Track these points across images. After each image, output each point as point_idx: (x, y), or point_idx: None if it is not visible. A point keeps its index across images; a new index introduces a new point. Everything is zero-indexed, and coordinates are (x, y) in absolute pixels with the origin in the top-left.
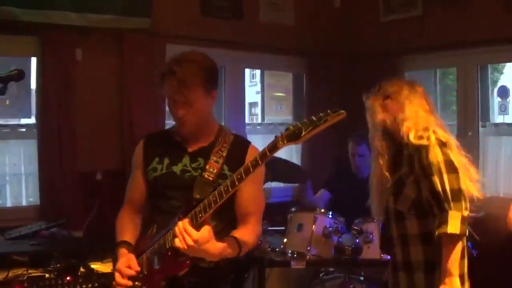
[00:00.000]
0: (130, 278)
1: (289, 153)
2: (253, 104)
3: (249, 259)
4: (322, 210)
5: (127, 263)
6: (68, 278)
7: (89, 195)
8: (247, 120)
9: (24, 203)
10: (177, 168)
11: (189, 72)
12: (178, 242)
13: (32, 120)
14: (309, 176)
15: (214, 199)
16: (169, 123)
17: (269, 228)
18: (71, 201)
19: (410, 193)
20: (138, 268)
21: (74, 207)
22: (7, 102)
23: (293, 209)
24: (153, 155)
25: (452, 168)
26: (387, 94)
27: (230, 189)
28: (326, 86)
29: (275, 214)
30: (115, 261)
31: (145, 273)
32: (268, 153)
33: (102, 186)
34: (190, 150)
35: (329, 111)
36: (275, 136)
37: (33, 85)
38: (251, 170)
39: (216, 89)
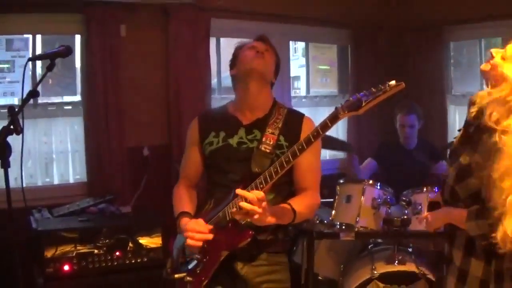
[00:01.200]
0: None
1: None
2: (295, 79)
3: (299, 232)
4: (371, 182)
5: (197, 223)
6: (117, 253)
7: (136, 171)
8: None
9: (71, 181)
10: (233, 141)
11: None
12: (247, 205)
13: (77, 98)
14: (356, 148)
15: (275, 170)
16: (215, 97)
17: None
18: (118, 177)
19: None
20: (209, 227)
21: (122, 183)
22: (50, 81)
23: (341, 181)
24: (209, 130)
25: None
26: None
27: (292, 159)
28: (371, 58)
29: (322, 186)
30: (171, 234)
31: (205, 246)
32: (329, 124)
33: (149, 162)
34: (245, 122)
35: (388, 82)
36: (336, 107)
37: (77, 63)
38: (313, 140)
39: (277, 71)
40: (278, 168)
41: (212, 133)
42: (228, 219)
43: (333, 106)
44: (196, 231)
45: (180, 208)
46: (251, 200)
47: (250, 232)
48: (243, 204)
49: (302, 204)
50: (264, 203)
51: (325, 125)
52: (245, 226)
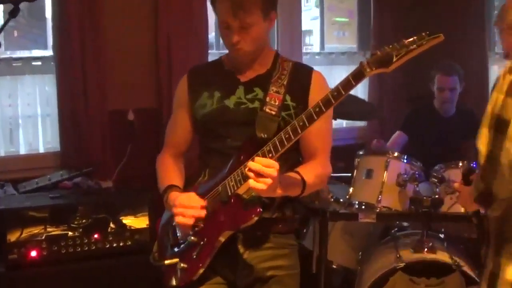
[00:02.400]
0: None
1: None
2: (307, 33)
3: (309, 211)
4: (396, 154)
5: (188, 197)
6: (95, 235)
7: (119, 138)
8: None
9: (41, 150)
10: (230, 102)
11: None
12: (255, 183)
13: (48, 52)
14: (381, 114)
15: (287, 136)
16: (213, 53)
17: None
18: (98, 146)
19: None
20: (204, 202)
21: (102, 153)
22: (15, 33)
23: (360, 153)
24: (201, 90)
25: None
26: None
27: (307, 124)
28: (398, 9)
29: (338, 159)
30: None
31: (202, 225)
32: (353, 82)
33: (135, 128)
34: (244, 79)
35: (424, 33)
36: (360, 62)
37: (48, 11)
38: (333, 101)
39: (275, 11)
40: (291, 134)
41: (205, 93)
42: (230, 193)
43: (351, 65)
44: (188, 206)
45: (167, 180)
46: (264, 170)
47: (258, 209)
48: (253, 164)
49: (312, 173)
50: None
51: (348, 83)
52: (250, 201)
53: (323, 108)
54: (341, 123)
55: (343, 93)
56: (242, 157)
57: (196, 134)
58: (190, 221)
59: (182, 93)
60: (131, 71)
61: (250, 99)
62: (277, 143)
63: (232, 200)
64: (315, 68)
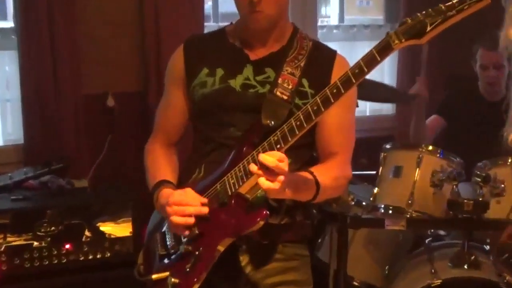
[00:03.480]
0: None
1: (379, 68)
2: (323, 2)
3: (325, 216)
4: (430, 148)
5: (185, 194)
6: (67, 246)
7: (97, 128)
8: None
9: (0, 143)
10: (235, 82)
11: None
12: (265, 182)
13: (8, 24)
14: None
15: (298, 123)
16: (210, 25)
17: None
18: (70, 138)
19: None
20: (204, 199)
21: (76, 146)
22: None
23: (387, 146)
24: (200, 65)
25: None
26: None
27: (323, 108)
28: None
29: (360, 154)
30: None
31: (196, 232)
32: (377, 57)
33: (116, 116)
34: (254, 57)
35: None
36: (387, 33)
37: None
38: (353, 81)
39: None
40: (303, 121)
41: (205, 69)
42: (230, 192)
43: (376, 40)
44: (185, 203)
45: (158, 175)
46: (279, 165)
47: (264, 212)
48: (265, 158)
49: (328, 174)
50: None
51: (372, 59)
52: (255, 203)
53: (341, 88)
54: (363, 111)
55: (366, 70)
56: (244, 148)
57: (191, 120)
58: (190, 220)
59: (177, 67)
60: (111, 47)
61: (260, 81)
62: (286, 131)
63: (233, 201)
64: (333, 44)
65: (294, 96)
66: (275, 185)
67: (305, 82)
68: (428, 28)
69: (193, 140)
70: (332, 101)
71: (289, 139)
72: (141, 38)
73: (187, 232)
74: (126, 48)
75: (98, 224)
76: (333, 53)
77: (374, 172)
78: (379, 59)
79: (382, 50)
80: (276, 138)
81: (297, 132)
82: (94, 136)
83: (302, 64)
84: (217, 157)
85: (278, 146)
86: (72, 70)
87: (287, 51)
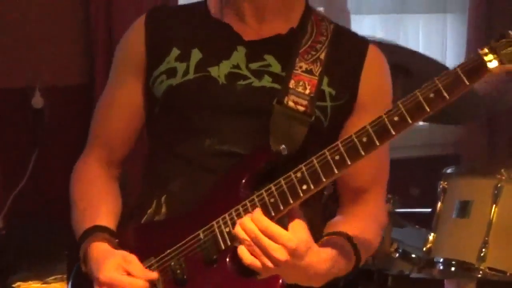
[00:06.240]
0: None
1: None
2: None
3: (358, 275)
4: None
5: (124, 265)
6: None
7: (16, 140)
8: None
9: None
10: (219, 71)
11: None
12: (250, 259)
13: None
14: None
15: (328, 168)
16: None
17: (395, 210)
18: None
19: None
20: (155, 275)
21: None
22: None
23: (449, 171)
24: (168, 45)
25: None
26: None
27: (349, 161)
28: None
29: (409, 180)
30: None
31: None
32: (465, 81)
33: (46, 121)
34: (248, 37)
35: None
36: (477, 51)
37: None
38: (407, 125)
39: None
40: (334, 167)
41: (175, 50)
42: (224, 246)
43: (434, 14)
44: (121, 283)
45: (89, 215)
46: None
47: (280, 281)
48: (245, 256)
49: (363, 227)
50: (305, 239)
51: (437, 93)
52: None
53: (376, 141)
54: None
55: (428, 110)
56: (241, 190)
57: (148, 127)
58: None
59: (134, 48)
60: (41, 25)
61: (255, 71)
62: (306, 174)
63: (227, 260)
64: (370, 19)
65: (313, 103)
66: (259, 264)
67: (325, 81)
68: None
69: (149, 156)
70: (363, 153)
71: (312, 187)
72: (86, 16)
73: None
74: (65, 27)
75: (15, 285)
76: (364, 42)
77: (429, 210)
78: (450, 95)
79: (470, 73)
80: (289, 184)
81: (302, 196)
82: (11, 152)
83: (322, 56)
84: (187, 185)
85: (273, 213)
86: None
87: (297, 36)
